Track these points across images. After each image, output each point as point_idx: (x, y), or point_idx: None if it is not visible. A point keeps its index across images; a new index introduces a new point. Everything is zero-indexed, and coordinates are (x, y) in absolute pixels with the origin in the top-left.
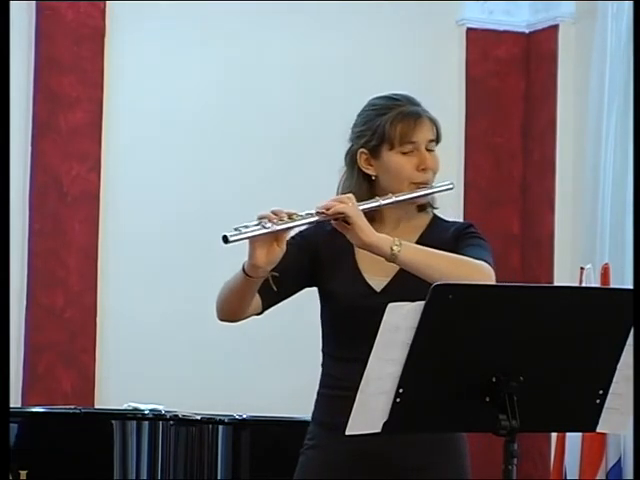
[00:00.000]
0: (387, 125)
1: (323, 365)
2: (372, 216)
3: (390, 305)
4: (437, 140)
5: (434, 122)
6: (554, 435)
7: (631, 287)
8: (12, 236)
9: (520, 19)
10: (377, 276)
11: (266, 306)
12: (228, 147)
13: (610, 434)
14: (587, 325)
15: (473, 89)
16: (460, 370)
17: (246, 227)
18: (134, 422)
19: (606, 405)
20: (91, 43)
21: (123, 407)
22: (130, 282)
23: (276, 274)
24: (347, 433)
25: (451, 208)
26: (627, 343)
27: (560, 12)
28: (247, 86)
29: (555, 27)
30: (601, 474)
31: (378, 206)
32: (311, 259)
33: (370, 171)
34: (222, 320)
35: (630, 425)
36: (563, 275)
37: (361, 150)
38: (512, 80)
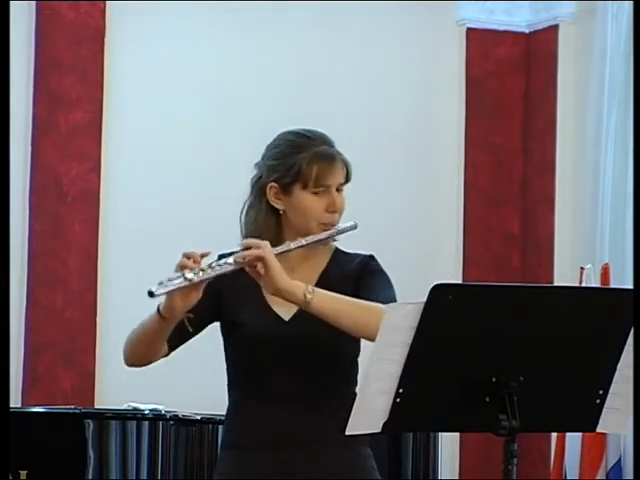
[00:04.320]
0: (304, 164)
1: (229, 407)
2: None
3: (390, 305)
4: (346, 181)
5: (346, 164)
6: (554, 435)
7: (631, 287)
8: (12, 236)
9: (520, 19)
10: (284, 306)
11: (172, 348)
12: (228, 146)
13: (610, 434)
14: (587, 325)
15: (473, 89)
16: (460, 370)
17: (170, 280)
18: (134, 422)
19: (606, 405)
20: (91, 43)
21: (123, 407)
22: (130, 282)
23: (191, 315)
24: (347, 433)
25: (451, 209)
26: (627, 343)
27: (560, 12)
28: (247, 85)
29: (555, 27)
30: (601, 474)
31: (288, 250)
32: (214, 294)
33: (279, 205)
34: (130, 365)
35: (630, 425)
36: (563, 275)
37: (271, 184)
38: (512, 80)
